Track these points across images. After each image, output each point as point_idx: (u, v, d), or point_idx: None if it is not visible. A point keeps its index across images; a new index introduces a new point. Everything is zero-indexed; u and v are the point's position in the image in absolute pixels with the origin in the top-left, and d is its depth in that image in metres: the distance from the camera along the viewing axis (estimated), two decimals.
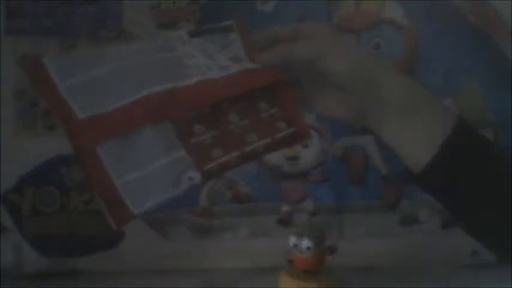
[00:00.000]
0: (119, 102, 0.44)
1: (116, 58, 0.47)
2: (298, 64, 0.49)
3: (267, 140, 0.50)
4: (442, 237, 0.88)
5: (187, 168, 0.45)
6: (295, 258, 0.73)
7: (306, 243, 0.71)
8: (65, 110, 0.43)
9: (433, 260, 0.86)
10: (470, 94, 0.87)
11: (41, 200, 0.86)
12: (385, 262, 0.87)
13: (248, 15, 0.84)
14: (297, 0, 0.86)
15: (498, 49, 0.86)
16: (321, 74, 0.48)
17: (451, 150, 0.46)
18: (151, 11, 0.86)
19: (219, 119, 0.48)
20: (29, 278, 0.87)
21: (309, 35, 0.50)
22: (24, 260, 0.88)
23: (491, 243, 0.51)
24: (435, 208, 0.87)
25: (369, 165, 0.89)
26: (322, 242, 0.73)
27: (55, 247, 0.87)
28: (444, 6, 0.85)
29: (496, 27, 0.85)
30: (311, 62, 0.48)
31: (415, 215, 0.89)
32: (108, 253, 0.88)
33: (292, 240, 0.72)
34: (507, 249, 0.48)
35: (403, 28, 0.87)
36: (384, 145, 0.52)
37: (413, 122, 0.47)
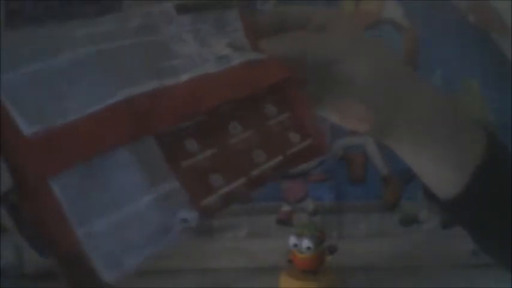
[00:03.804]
0: (83, 110, 0.30)
1: (77, 42, 0.32)
2: (307, 62, 0.40)
3: (278, 158, 0.37)
4: (442, 237, 0.88)
5: (178, 205, 0.31)
6: (295, 258, 0.73)
7: (306, 243, 0.71)
8: (3, 120, 0.28)
9: (433, 260, 0.86)
10: (470, 94, 0.87)
11: None
12: (385, 262, 0.87)
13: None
14: (297, 0, 0.86)
15: (498, 49, 0.86)
16: (336, 80, 0.40)
17: (487, 173, 0.40)
18: None
19: (216, 130, 0.35)
20: (29, 278, 0.87)
21: (321, 25, 0.40)
22: (24, 260, 0.88)
23: None
24: (435, 208, 0.87)
25: (369, 165, 0.89)
26: (322, 242, 0.73)
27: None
28: (444, 6, 0.85)
29: (496, 27, 0.85)
30: (324, 63, 0.39)
31: (415, 215, 0.89)
32: None
33: (292, 240, 0.72)
34: None
35: (403, 28, 0.87)
36: (384, 145, 0.46)
37: (442, 141, 0.41)
